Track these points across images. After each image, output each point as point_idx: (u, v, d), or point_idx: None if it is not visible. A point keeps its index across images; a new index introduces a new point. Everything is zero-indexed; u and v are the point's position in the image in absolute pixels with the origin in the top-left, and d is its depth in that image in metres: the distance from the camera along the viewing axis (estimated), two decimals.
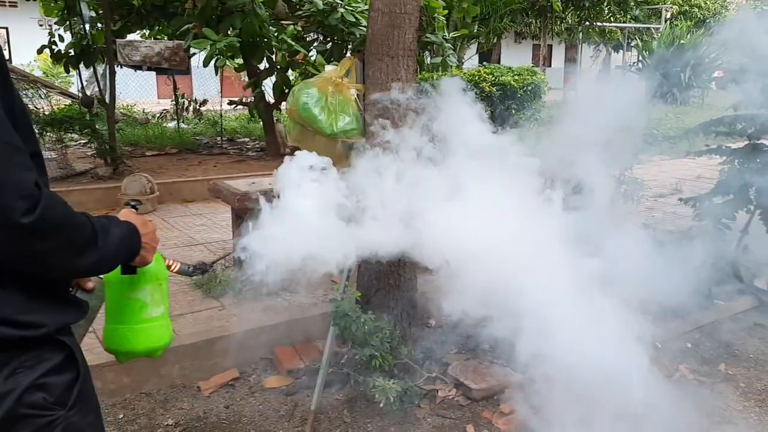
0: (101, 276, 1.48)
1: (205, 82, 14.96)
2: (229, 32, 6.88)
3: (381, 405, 2.73)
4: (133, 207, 1.51)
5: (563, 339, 2.82)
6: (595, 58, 27.27)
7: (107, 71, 7.29)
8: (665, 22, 22.67)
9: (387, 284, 3.15)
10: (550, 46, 25.90)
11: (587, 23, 21.23)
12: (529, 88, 9.78)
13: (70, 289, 1.40)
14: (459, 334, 3.78)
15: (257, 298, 3.85)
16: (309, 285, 3.82)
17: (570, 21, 21.28)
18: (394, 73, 2.88)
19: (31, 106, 8.44)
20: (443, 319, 3.97)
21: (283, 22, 7.83)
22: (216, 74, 8.55)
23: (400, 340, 3.04)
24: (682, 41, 18.41)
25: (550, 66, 25.61)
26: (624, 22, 22.86)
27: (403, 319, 3.22)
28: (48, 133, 6.90)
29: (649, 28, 23.32)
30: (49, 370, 1.19)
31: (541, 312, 3.05)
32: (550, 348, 3.22)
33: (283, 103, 9.25)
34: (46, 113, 7.53)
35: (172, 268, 1.69)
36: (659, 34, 20.86)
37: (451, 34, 8.83)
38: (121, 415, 2.87)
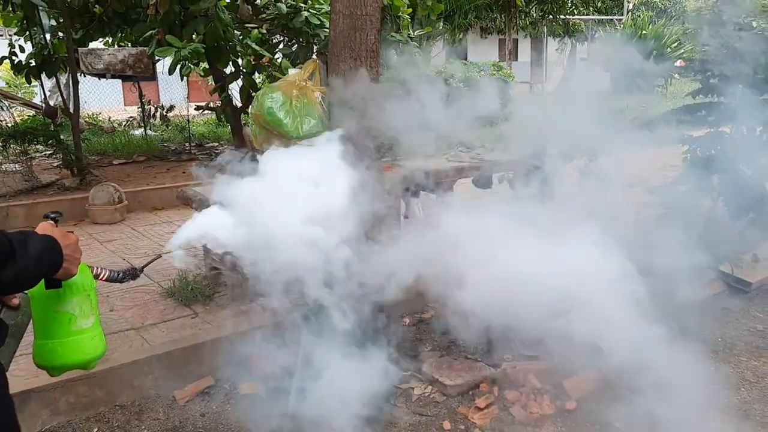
0: (26, 292, 1.47)
1: (172, 88, 14.78)
2: (193, 37, 6.81)
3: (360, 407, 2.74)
4: (53, 219, 1.48)
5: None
6: (561, 51, 27.55)
7: (70, 80, 7.18)
8: (627, 13, 23.02)
9: None
10: (516, 41, 26.12)
11: (551, 17, 21.47)
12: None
13: None
14: (434, 331, 3.82)
15: (230, 304, 3.84)
16: (282, 289, 3.81)
17: (534, 15, 21.50)
18: (356, 74, 2.89)
19: None
20: (417, 316, 4.01)
21: (247, 25, 7.77)
22: (182, 80, 8.47)
23: (374, 339, 3.05)
24: (644, 31, 18.70)
25: (516, 60, 25.83)
26: (587, 15, 23.17)
27: (377, 317, 3.23)
28: (12, 146, 6.76)
29: (612, 20, 23.66)
30: None
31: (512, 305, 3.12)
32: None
33: (251, 107, 9.22)
34: (9, 125, 7.39)
35: (101, 276, 1.67)
36: (622, 25, 21.18)
37: (416, 32, 8.86)
38: (95, 429, 2.85)
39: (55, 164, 7.59)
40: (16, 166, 6.99)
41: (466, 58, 21.51)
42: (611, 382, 3.06)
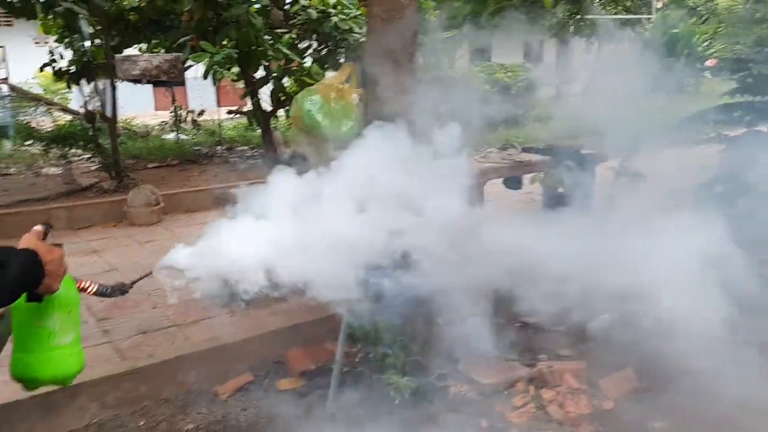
0: None
1: (201, 93, 15.02)
2: (225, 43, 6.94)
3: (396, 402, 2.78)
4: (44, 230, 1.44)
5: None
6: (588, 51, 27.30)
7: (107, 86, 7.36)
8: (657, 11, 22.76)
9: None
10: (541, 42, 25.94)
11: (578, 17, 21.30)
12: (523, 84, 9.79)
13: None
14: (467, 331, 3.85)
15: (267, 304, 3.91)
16: (318, 288, 3.87)
17: (561, 15, 21.35)
18: (394, 76, 2.94)
19: (33, 124, 8.55)
20: (451, 316, 4.04)
21: (278, 30, 7.89)
22: (214, 85, 8.61)
23: (411, 338, 3.09)
24: (674, 30, 18.47)
25: (542, 61, 25.65)
26: (615, 14, 22.93)
27: (413, 318, 3.27)
28: (53, 150, 6.96)
29: (640, 19, 23.39)
30: None
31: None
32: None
33: (280, 111, 9.34)
34: (48, 130, 7.61)
35: (89, 290, 1.64)
36: (651, 24, 20.95)
37: (443, 34, 8.90)
38: (142, 423, 2.94)
39: (93, 167, 7.79)
40: (57, 169, 7.19)
41: (490, 60, 21.45)
42: (650, 382, 3.07)
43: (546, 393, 3.08)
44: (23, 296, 1.35)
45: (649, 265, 2.79)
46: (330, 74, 3.33)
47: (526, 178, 5.17)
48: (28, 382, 1.54)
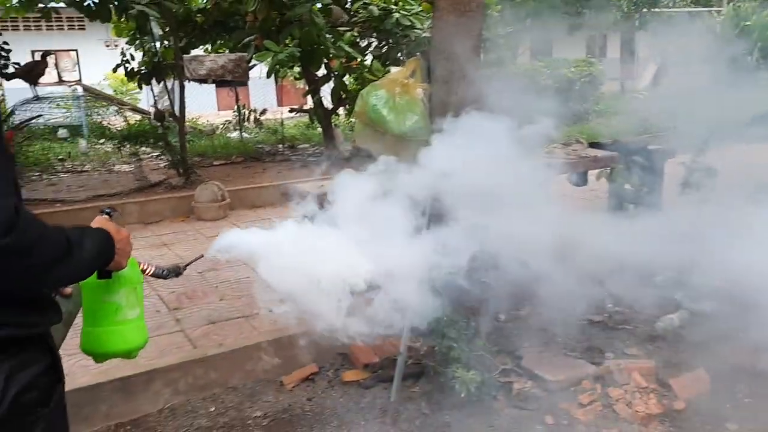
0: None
1: (262, 92, 15.35)
2: (288, 42, 7.08)
3: (462, 395, 2.79)
4: (108, 214, 1.54)
5: None
6: (653, 46, 26.47)
7: (175, 86, 7.61)
8: (728, 3, 21.85)
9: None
10: (605, 36, 25.33)
11: (644, 10, 20.70)
12: (587, 79, 9.61)
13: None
14: (530, 327, 3.81)
15: None
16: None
17: (626, 9, 20.79)
18: (459, 71, 2.94)
19: (105, 123, 8.93)
20: (512, 313, 4.01)
21: (339, 28, 7.98)
22: (276, 84, 8.78)
23: (474, 332, 3.09)
24: (747, 23, 17.71)
25: (605, 56, 25.05)
26: (683, 7, 22.16)
27: (475, 312, 3.27)
28: (125, 148, 7.25)
29: (710, 11, 22.52)
30: (40, 371, 1.28)
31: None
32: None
33: (341, 108, 9.45)
34: (119, 129, 7.93)
35: (147, 271, 1.72)
36: (722, 17, 20.13)
37: (505, 29, 8.82)
38: (212, 408, 3.03)
39: (162, 165, 8.07)
40: (128, 166, 7.49)
41: (551, 55, 21.08)
42: (724, 383, 2.97)
43: (613, 391, 3.02)
44: (94, 273, 1.45)
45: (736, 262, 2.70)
46: (393, 70, 3.35)
47: (592, 174, 5.08)
48: (97, 355, 1.62)
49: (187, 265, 1.95)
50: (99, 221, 1.47)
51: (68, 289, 1.52)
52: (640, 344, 3.51)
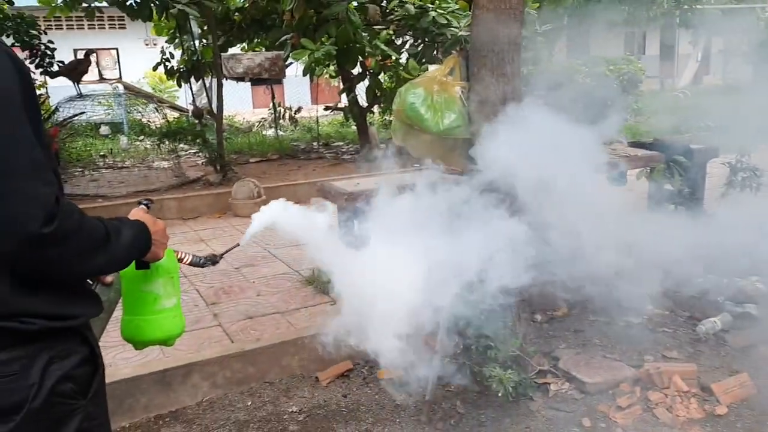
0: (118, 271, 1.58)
1: (297, 90, 15.47)
2: (324, 40, 7.11)
3: (498, 395, 2.77)
4: (146, 206, 1.58)
5: None
6: (694, 43, 25.90)
7: (213, 84, 7.72)
8: None
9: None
10: (644, 33, 24.87)
11: (685, 7, 20.25)
12: (625, 78, 9.46)
13: (91, 283, 1.52)
14: (568, 329, 3.77)
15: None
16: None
17: (666, 5, 20.36)
18: (499, 69, 2.92)
19: (145, 120, 9.10)
20: (549, 313, 3.97)
21: (375, 27, 7.99)
22: (312, 82, 8.83)
23: (511, 332, 3.06)
24: None
25: (644, 54, 24.60)
26: (725, 3, 21.61)
27: (512, 312, 3.24)
28: (163, 144, 7.37)
29: (754, 8, 21.92)
30: (78, 362, 1.31)
31: None
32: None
33: (376, 107, 9.46)
34: (158, 126, 8.07)
35: (184, 260, 1.76)
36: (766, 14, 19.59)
37: (542, 27, 8.72)
38: (249, 402, 3.07)
39: (200, 162, 8.19)
40: (167, 163, 7.61)
41: (589, 53, 20.77)
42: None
43: (653, 395, 2.97)
44: (133, 264, 1.50)
45: None
46: (430, 68, 3.34)
47: (631, 173, 5.00)
48: (136, 343, 1.66)
49: (223, 254, 1.98)
50: (136, 213, 1.51)
51: (109, 278, 1.59)
52: (681, 347, 3.44)
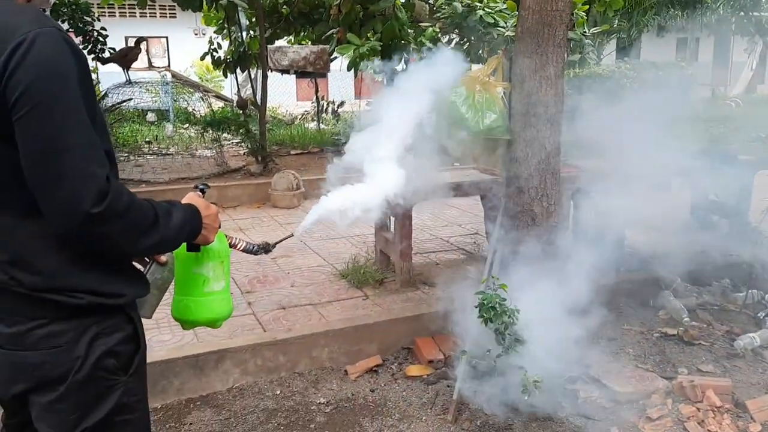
0: (173, 252, 1.63)
1: (340, 84, 15.55)
2: (369, 36, 7.14)
3: (526, 399, 2.75)
4: (201, 191, 1.62)
5: None
6: (750, 51, 25.13)
7: (258, 75, 7.82)
8: None
9: None
10: (697, 40, 24.27)
11: (741, 14, 19.67)
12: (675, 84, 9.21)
13: (147, 260, 1.58)
14: (600, 336, 3.72)
15: (399, 289, 4.01)
16: (447, 279, 3.91)
17: (722, 11, 19.81)
18: (542, 70, 2.89)
19: (190, 108, 9.27)
20: (587, 319, 3.92)
21: (421, 24, 7.99)
22: (355, 76, 8.86)
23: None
24: None
25: (696, 60, 24.01)
26: None
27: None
28: (208, 133, 7.50)
29: None
30: (121, 339, 1.37)
31: None
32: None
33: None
34: (203, 115, 8.22)
35: (238, 246, 1.80)
36: None
37: (591, 30, 8.59)
38: (278, 391, 3.11)
39: (242, 152, 8.31)
40: (209, 152, 7.74)
41: (639, 58, 20.38)
42: None
43: (685, 408, 2.91)
44: (184, 246, 1.54)
45: None
46: (474, 68, 3.32)
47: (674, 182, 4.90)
48: (185, 322, 1.71)
49: (277, 243, 2.02)
50: (190, 197, 1.55)
51: (164, 258, 1.62)
52: (717, 361, 3.37)
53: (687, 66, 12.42)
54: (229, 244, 1.75)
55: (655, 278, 4.19)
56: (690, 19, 19.64)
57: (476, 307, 2.95)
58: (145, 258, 1.58)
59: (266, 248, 1.94)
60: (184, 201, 1.51)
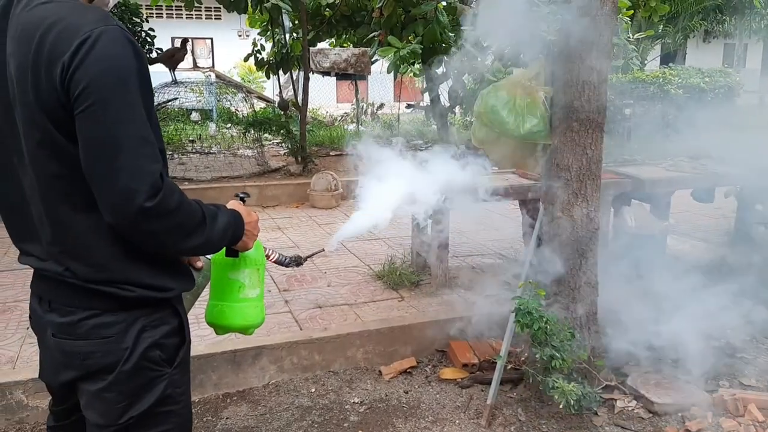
0: (209, 257, 1.67)
1: (380, 86, 15.61)
2: (410, 39, 7.16)
3: (560, 407, 2.73)
4: (241, 199, 1.65)
5: None
6: None
7: (300, 77, 7.90)
8: None
9: (567, 287, 3.13)
10: (746, 45, 23.64)
11: None
12: (721, 91, 9.07)
13: None
14: (639, 345, 3.66)
15: (434, 292, 4.01)
16: (482, 284, 3.90)
17: None
18: (586, 75, 2.86)
19: (233, 108, 9.42)
20: (622, 328, 3.86)
21: (464, 27, 7.96)
22: (395, 79, 8.89)
23: (579, 344, 3.01)
24: None
25: (744, 66, 23.39)
26: None
27: (582, 323, 3.19)
28: (249, 133, 7.61)
29: None
30: (167, 332, 1.42)
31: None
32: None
33: (475, 105, 9.42)
34: (245, 115, 8.34)
35: (271, 257, 1.82)
36: None
37: (635, 35, 8.45)
38: (313, 390, 3.15)
39: (282, 152, 8.41)
40: (250, 151, 7.85)
41: (683, 64, 19.93)
42: None
43: (726, 422, 2.85)
44: (222, 251, 1.58)
45: None
46: (515, 71, 3.31)
47: (720, 191, 4.79)
48: (218, 327, 1.73)
49: (308, 257, 2.04)
50: (233, 204, 1.57)
51: (200, 263, 1.67)
52: (761, 376, 3.29)
53: (734, 72, 12.09)
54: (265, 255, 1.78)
55: None
56: (738, 25, 19.14)
57: (512, 312, 2.95)
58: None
59: (298, 261, 1.97)
60: (228, 206, 1.54)
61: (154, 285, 1.37)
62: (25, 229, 1.40)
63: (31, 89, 1.21)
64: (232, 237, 1.49)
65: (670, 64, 13.59)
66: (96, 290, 1.32)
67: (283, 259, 1.91)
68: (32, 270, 1.43)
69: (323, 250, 2.27)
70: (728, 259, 4.56)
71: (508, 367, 3.19)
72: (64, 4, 1.25)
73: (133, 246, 1.32)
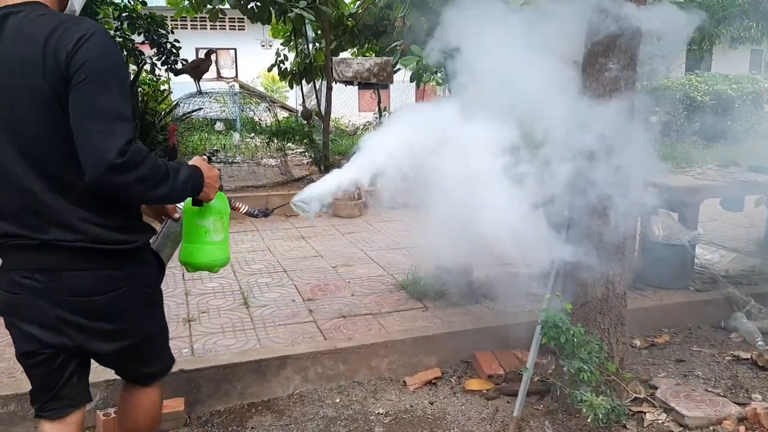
0: (184, 210, 2.00)
1: (402, 95, 15.63)
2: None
3: (588, 420, 2.69)
4: (207, 157, 1.92)
5: None
6: None
7: (322, 86, 7.94)
8: None
9: (594, 297, 3.09)
10: None
11: None
12: (749, 97, 8.95)
13: (163, 217, 2.10)
14: (668, 357, 3.60)
15: (458, 302, 3.98)
16: (508, 294, 3.86)
17: None
18: (612, 84, 2.84)
19: (256, 118, 9.50)
20: (649, 340, 3.81)
21: None
22: (417, 88, 8.89)
23: (607, 356, 2.97)
24: None
25: None
26: None
27: (609, 335, 3.14)
28: (273, 142, 7.66)
29: None
30: (150, 265, 1.89)
31: None
32: None
33: None
34: (268, 124, 8.40)
35: (240, 209, 2.17)
36: None
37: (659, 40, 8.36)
38: (338, 400, 3.14)
39: (305, 161, 8.45)
40: (273, 161, 7.90)
41: (710, 70, 19.66)
42: None
43: None
44: (190, 200, 1.92)
45: None
46: None
47: (749, 199, 4.70)
48: (189, 265, 2.05)
49: (275, 208, 2.41)
50: (196, 159, 1.87)
51: (177, 214, 2.05)
52: None
53: (762, 78, 11.88)
54: (233, 207, 2.10)
55: (727, 299, 4.04)
56: (765, 30, 18.83)
57: (539, 324, 2.91)
58: (162, 216, 2.08)
59: (265, 212, 2.28)
60: (191, 162, 1.84)
61: (128, 240, 1.74)
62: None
63: (40, 73, 1.52)
64: (193, 187, 1.79)
65: (696, 71, 13.42)
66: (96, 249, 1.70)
67: (253, 210, 2.24)
68: None
69: (288, 203, 2.62)
70: (757, 268, 4.48)
71: (535, 378, 3.15)
72: (57, 14, 1.62)
73: (108, 201, 1.64)
